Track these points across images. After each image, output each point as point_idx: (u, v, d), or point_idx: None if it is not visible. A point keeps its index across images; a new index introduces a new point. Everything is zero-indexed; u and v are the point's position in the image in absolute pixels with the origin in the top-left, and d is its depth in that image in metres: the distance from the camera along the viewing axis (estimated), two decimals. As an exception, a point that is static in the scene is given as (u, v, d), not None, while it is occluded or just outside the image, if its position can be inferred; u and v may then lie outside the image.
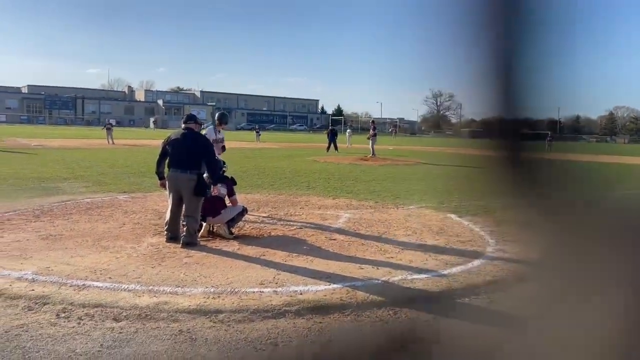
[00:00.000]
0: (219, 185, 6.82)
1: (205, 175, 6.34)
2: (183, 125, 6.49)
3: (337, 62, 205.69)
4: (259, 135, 43.41)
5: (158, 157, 6.55)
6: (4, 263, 5.14)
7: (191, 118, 6.62)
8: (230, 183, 7.01)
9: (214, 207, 6.61)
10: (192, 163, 6.15)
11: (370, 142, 24.61)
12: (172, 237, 6.22)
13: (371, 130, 25.38)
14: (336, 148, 28.62)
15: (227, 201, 6.96)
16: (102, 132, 32.86)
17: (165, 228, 6.35)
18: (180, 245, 6.02)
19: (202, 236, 6.52)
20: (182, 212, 6.29)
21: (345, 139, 36.32)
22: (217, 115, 8.27)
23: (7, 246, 5.81)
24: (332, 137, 29.05)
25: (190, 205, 6.21)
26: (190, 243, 6.03)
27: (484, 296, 4.67)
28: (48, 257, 5.41)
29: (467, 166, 0.95)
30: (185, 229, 6.16)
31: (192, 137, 6.39)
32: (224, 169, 7.04)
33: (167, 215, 6.36)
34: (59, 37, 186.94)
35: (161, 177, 6.56)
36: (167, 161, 6.43)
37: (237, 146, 28.00)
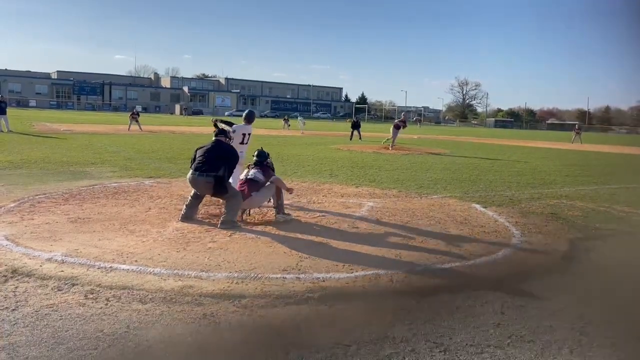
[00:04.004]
0: (255, 170, 7.07)
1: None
2: (214, 138, 6.99)
3: (363, 50, 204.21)
4: (288, 124, 42.64)
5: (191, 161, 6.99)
6: (34, 244, 5.28)
7: (222, 132, 7.16)
8: (268, 170, 7.18)
9: (246, 191, 6.84)
10: (209, 167, 6.53)
11: (392, 133, 24.36)
12: (185, 217, 6.67)
13: (394, 124, 25.28)
14: (360, 137, 28.92)
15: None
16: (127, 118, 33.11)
17: (184, 205, 6.85)
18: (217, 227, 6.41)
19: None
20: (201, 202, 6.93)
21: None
22: (244, 114, 8.50)
23: (38, 228, 5.97)
24: (356, 126, 29.85)
25: (222, 198, 6.75)
26: (225, 222, 6.39)
27: (507, 287, 4.63)
28: (77, 240, 5.54)
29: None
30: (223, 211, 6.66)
31: (218, 146, 6.85)
32: (268, 160, 7.30)
33: (187, 200, 6.86)
34: (87, 24, 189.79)
35: None
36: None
37: (262, 133, 28.08)
